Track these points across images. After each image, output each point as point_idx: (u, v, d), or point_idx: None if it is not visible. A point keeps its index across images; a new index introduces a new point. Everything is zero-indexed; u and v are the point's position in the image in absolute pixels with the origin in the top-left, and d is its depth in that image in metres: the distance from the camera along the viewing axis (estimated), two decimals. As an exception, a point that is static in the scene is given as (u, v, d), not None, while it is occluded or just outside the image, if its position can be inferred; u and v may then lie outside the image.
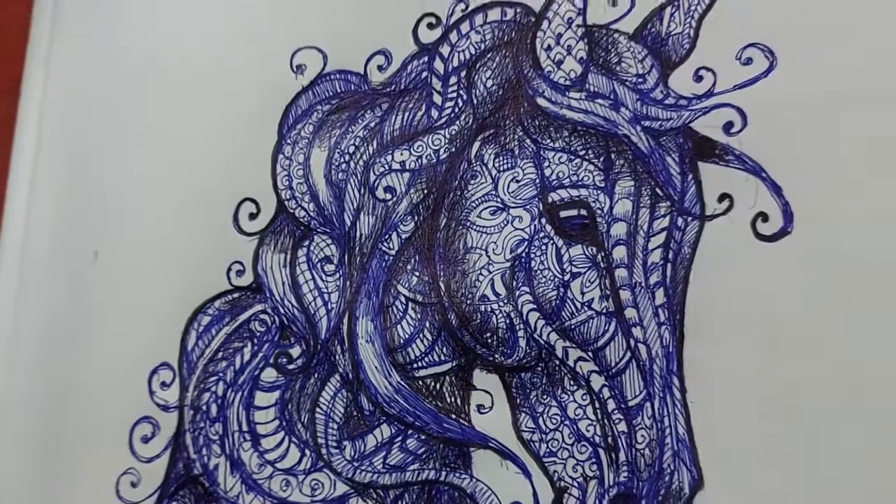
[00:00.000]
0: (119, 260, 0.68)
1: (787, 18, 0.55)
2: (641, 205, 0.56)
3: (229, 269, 0.65)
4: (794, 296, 0.52)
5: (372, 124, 0.63)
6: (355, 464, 0.60)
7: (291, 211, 0.64)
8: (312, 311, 0.62)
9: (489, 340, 0.58)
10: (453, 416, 0.59)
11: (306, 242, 0.63)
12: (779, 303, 0.52)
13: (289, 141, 0.65)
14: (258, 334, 0.64)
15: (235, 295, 0.65)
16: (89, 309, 0.67)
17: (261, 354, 0.64)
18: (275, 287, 0.63)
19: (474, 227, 0.59)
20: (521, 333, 0.57)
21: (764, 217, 0.53)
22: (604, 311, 0.55)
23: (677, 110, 0.56)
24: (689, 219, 0.55)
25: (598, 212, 0.56)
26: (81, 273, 0.68)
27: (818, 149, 0.53)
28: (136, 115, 0.70)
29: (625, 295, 0.55)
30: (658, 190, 0.55)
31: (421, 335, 0.59)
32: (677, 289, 0.54)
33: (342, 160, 0.63)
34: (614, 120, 0.57)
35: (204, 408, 0.64)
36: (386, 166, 0.62)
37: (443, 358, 0.59)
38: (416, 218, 0.60)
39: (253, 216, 0.65)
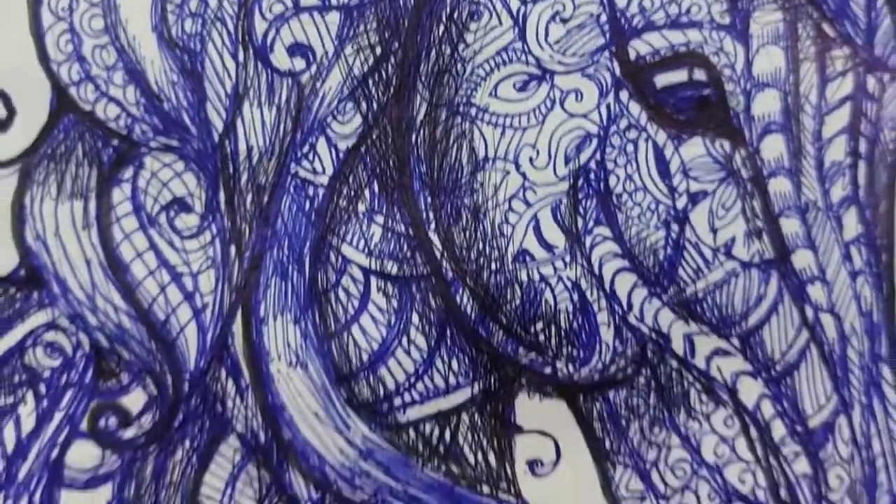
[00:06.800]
0: None
1: None
2: (801, 56, 0.30)
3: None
4: None
5: None
6: None
7: (86, 108, 0.30)
8: (161, 315, 0.30)
9: (541, 336, 0.30)
10: (485, 490, 0.31)
11: (129, 172, 0.30)
12: None
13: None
14: (48, 373, 0.30)
15: (-18, 296, 0.31)
16: None
17: (60, 413, 0.30)
18: (69, 273, 0.30)
19: (486, 117, 0.30)
20: (601, 317, 0.30)
21: None
22: (754, 259, 0.30)
23: None
24: (888, 77, 0.33)
25: (726, 73, 0.29)
26: None
27: None
28: None
29: (790, 226, 0.31)
30: (826, 27, 0.33)
31: (402, 342, 0.30)
32: (878, 207, 0.33)
33: (191, -8, 0.31)
34: None
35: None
36: None
37: (452, 381, 0.31)
38: (364, 106, 0.30)
39: (-1, 123, 0.31)
